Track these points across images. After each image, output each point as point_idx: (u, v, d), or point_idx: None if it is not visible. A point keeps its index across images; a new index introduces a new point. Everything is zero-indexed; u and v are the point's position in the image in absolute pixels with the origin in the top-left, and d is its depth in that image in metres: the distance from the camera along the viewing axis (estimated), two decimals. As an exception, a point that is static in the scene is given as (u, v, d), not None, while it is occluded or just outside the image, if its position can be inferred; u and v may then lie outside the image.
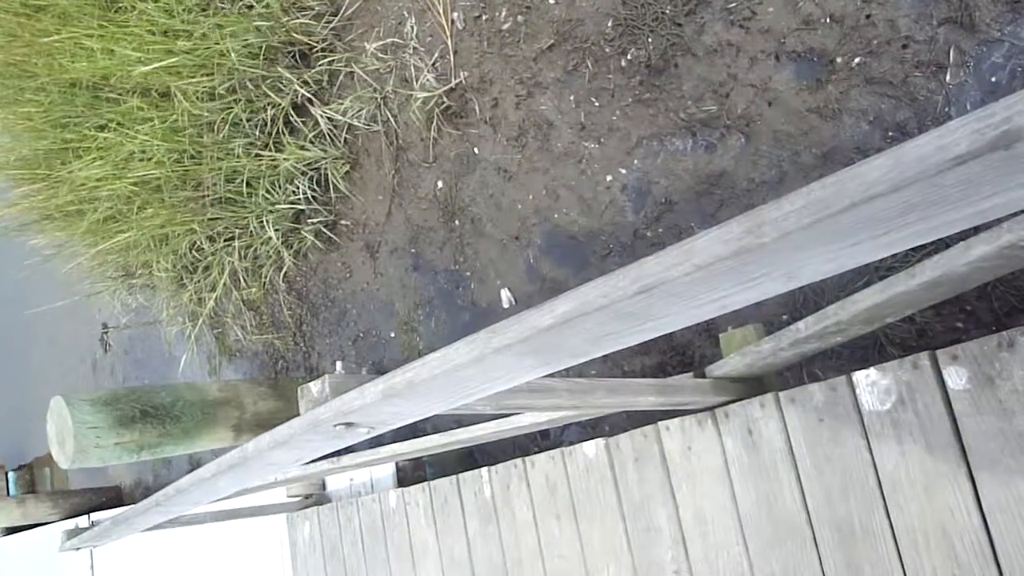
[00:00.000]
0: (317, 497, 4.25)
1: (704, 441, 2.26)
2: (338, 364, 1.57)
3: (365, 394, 1.37)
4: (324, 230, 4.73)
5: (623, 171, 3.39)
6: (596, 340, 1.10)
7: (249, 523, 4.45)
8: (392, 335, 4.49)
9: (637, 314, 1.00)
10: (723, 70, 3.08)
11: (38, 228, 5.64)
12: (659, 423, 2.41)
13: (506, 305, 3.88)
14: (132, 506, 2.92)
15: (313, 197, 4.65)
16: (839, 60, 2.80)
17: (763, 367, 2.15)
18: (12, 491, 8.01)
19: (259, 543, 4.60)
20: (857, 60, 2.76)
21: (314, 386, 1.59)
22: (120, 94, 4.78)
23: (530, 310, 1.04)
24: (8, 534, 7.23)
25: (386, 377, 1.33)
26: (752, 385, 2.25)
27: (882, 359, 2.73)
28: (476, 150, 3.94)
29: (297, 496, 4.25)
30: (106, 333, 7.02)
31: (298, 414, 4.55)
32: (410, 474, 4.05)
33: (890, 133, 2.70)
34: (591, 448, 2.60)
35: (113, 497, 6.96)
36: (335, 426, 1.53)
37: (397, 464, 3.94)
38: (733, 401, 2.22)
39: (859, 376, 1.96)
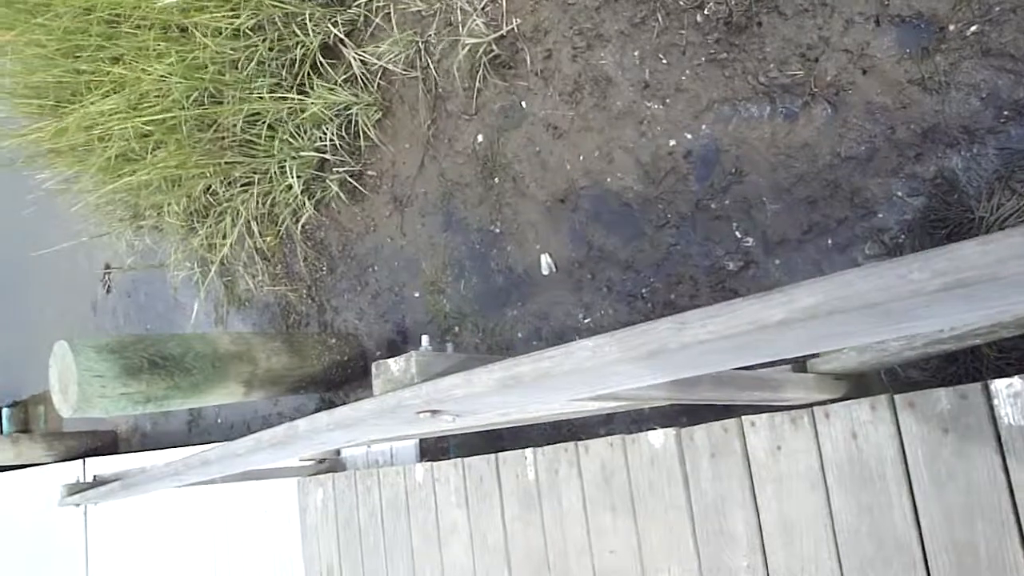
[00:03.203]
0: (331, 463, 4.03)
1: (797, 441, 2.02)
2: (424, 339, 1.39)
3: (474, 382, 1.13)
4: (350, 180, 4.46)
5: (689, 136, 3.13)
6: (816, 340, 0.86)
7: (256, 484, 4.23)
8: (416, 295, 4.24)
9: (895, 314, 0.76)
10: (813, 32, 2.81)
11: (45, 162, 5.35)
12: (742, 417, 2.16)
13: (545, 272, 3.63)
14: (145, 471, 2.69)
15: (340, 145, 4.37)
16: (951, 28, 2.53)
17: (876, 365, 1.91)
18: (6, 428, 7.78)
19: (266, 505, 4.38)
20: (973, 28, 2.49)
21: (395, 364, 1.34)
22: (138, 26, 4.47)
23: (747, 299, 0.79)
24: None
25: (507, 364, 1.08)
26: (856, 384, 2.01)
27: (974, 362, 2.49)
28: (524, 104, 3.67)
29: (310, 460, 4.02)
30: (108, 274, 6.75)
31: (313, 373, 4.21)
32: (432, 446, 3.82)
33: (1005, 112, 2.44)
34: (658, 438, 2.36)
35: (109, 442, 6.73)
36: (419, 413, 1.28)
37: (420, 435, 3.71)
38: (833, 400, 1.98)
39: (999, 385, 1.71)
